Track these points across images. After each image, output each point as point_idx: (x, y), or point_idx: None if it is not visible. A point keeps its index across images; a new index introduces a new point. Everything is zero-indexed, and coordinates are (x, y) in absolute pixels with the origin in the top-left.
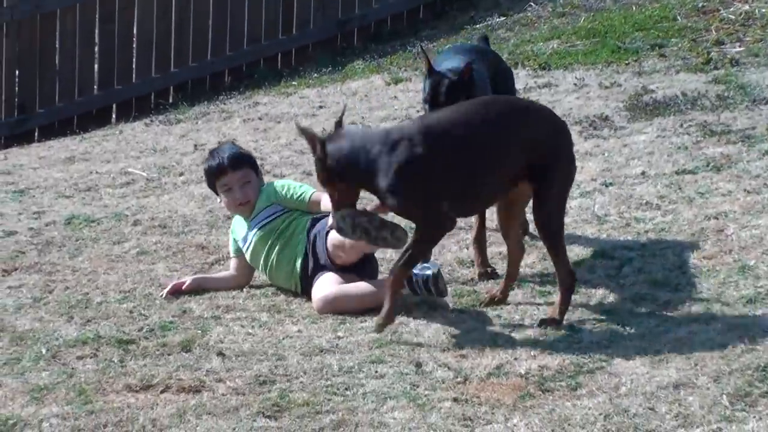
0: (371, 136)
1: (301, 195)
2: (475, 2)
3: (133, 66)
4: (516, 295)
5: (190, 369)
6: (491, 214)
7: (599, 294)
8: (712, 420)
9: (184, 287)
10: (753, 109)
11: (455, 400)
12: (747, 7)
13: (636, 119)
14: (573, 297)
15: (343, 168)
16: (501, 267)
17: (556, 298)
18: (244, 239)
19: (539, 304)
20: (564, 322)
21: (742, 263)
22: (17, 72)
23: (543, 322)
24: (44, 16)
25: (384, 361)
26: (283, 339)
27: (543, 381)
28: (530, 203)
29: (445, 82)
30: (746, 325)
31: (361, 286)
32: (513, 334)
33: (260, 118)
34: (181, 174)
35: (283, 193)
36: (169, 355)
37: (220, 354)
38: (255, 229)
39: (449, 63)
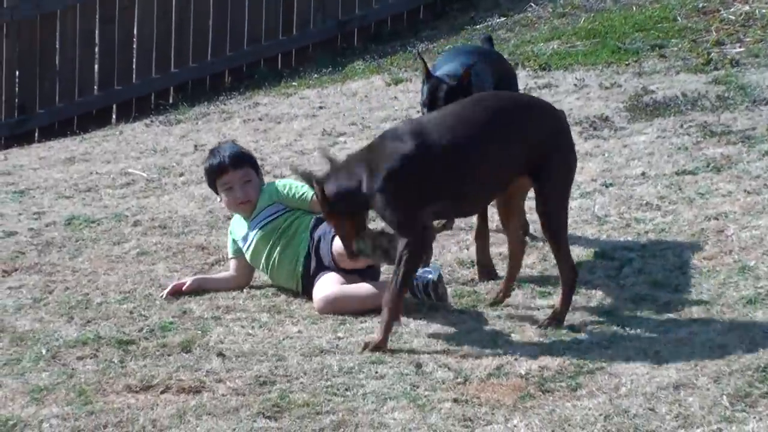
0: (359, 161)
1: (303, 194)
2: (476, 3)
3: (134, 66)
4: (516, 295)
5: (190, 369)
6: (492, 214)
7: (599, 295)
8: (712, 421)
9: (184, 288)
10: (753, 110)
11: (455, 400)
12: (747, 7)
13: (636, 120)
14: (573, 297)
15: (343, 204)
16: (500, 268)
17: (557, 297)
18: (245, 238)
19: (539, 305)
20: (564, 323)
21: (742, 264)
22: (17, 72)
23: (544, 323)
24: (44, 16)
25: (384, 362)
26: (284, 339)
27: (543, 381)
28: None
29: (443, 87)
30: (746, 325)
31: (363, 287)
32: (513, 335)
33: (260, 119)
34: (182, 174)
35: (285, 192)
36: (169, 355)
37: (221, 354)
38: (256, 228)
39: (450, 65)
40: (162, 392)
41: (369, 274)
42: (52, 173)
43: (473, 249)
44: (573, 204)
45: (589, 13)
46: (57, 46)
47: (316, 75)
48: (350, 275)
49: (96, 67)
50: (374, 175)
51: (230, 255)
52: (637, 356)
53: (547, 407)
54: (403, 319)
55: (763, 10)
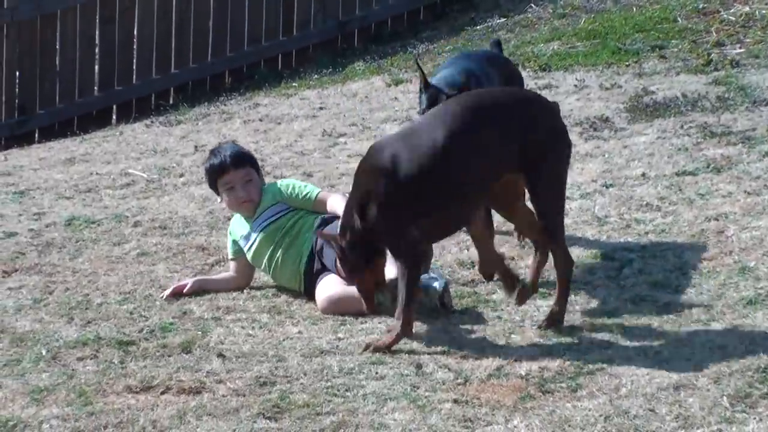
0: (348, 207)
1: (307, 194)
2: (476, 3)
3: (134, 67)
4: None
5: (191, 370)
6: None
7: (599, 295)
8: (712, 421)
9: (185, 291)
10: (753, 111)
11: (456, 401)
12: (747, 8)
13: (636, 120)
14: (574, 298)
15: (359, 251)
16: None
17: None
18: (246, 238)
19: (539, 305)
20: (564, 323)
21: (742, 265)
22: (18, 73)
23: (543, 324)
24: (45, 17)
25: (384, 363)
26: (284, 340)
27: (543, 382)
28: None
29: (442, 97)
30: (746, 326)
31: None
32: (513, 336)
33: (261, 120)
34: (182, 175)
35: (288, 192)
36: (169, 356)
37: (221, 355)
38: (259, 228)
39: (450, 70)
40: (162, 393)
41: None
42: (52, 174)
43: (474, 250)
44: (573, 205)
45: (589, 14)
46: (57, 46)
47: (316, 76)
48: None
49: (96, 67)
50: (365, 208)
51: (230, 256)
52: (637, 357)
53: (547, 408)
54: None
55: (763, 11)
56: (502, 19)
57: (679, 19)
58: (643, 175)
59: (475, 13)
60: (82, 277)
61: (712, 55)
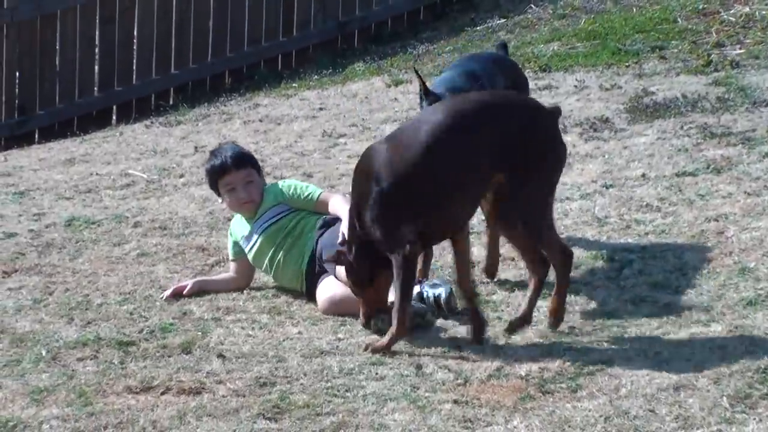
0: (349, 219)
1: (308, 195)
2: (476, 4)
3: (134, 67)
4: (516, 296)
5: (191, 371)
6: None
7: (599, 296)
8: (712, 422)
9: (185, 292)
10: (753, 111)
11: (455, 402)
12: (747, 9)
13: (636, 121)
14: (574, 298)
15: (366, 261)
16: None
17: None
18: (247, 239)
19: (539, 306)
20: (564, 324)
21: (742, 265)
22: (17, 73)
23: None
24: (45, 17)
25: (384, 363)
26: (284, 341)
27: (543, 383)
28: None
29: None
30: (746, 327)
31: None
32: (513, 336)
33: (261, 120)
34: (182, 176)
35: (290, 193)
36: (169, 356)
37: (221, 356)
38: (261, 229)
39: (455, 73)
40: (162, 393)
41: None
42: (52, 174)
43: (474, 250)
44: (573, 205)
45: (589, 15)
46: (57, 47)
47: (316, 76)
48: None
49: (96, 68)
50: (360, 211)
51: (231, 257)
52: (637, 357)
53: (547, 408)
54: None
55: (763, 12)
56: (502, 20)
57: (679, 19)
58: (643, 175)
59: (475, 14)
60: (82, 278)
61: (712, 55)
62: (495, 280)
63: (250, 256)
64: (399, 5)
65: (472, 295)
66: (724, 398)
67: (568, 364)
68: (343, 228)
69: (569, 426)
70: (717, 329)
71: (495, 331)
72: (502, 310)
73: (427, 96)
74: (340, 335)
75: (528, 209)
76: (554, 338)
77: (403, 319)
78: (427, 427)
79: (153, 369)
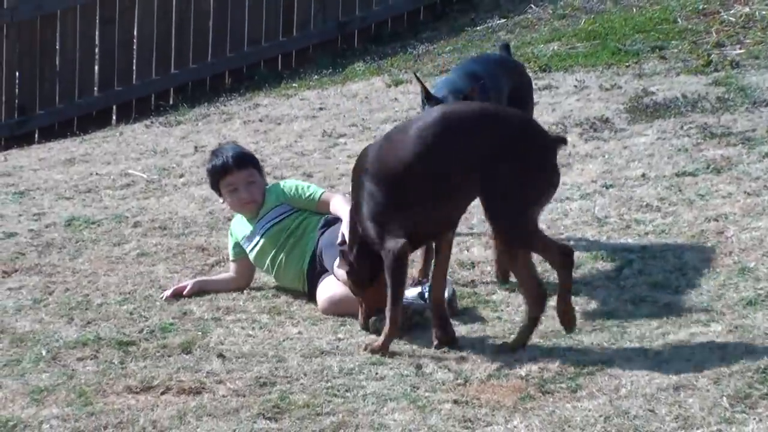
0: (353, 213)
1: (310, 195)
2: (476, 4)
3: (134, 67)
4: (516, 296)
5: (191, 370)
6: None
7: (599, 296)
8: (712, 422)
9: (185, 292)
10: (753, 111)
11: (455, 401)
12: (747, 9)
13: (636, 121)
14: (573, 299)
15: (367, 261)
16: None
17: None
18: (249, 239)
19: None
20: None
21: (742, 265)
22: (17, 73)
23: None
24: (45, 17)
25: (384, 363)
26: (284, 341)
27: (543, 383)
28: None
29: None
30: (746, 327)
31: None
32: (513, 336)
33: (261, 120)
34: (182, 176)
35: (292, 193)
36: (169, 356)
37: (221, 356)
38: (263, 229)
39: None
40: (162, 393)
41: None
42: (52, 174)
43: (474, 250)
44: (573, 205)
45: (589, 15)
46: (57, 47)
47: (316, 76)
48: None
49: (96, 68)
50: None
51: (231, 257)
52: (637, 357)
53: (547, 408)
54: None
55: (763, 12)
56: (502, 20)
57: (679, 19)
58: (643, 175)
59: (475, 14)
60: (82, 278)
61: (712, 55)
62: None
63: (251, 257)
64: (399, 5)
65: (442, 301)
66: (724, 398)
67: (568, 364)
68: (343, 228)
69: (569, 426)
70: (717, 329)
71: (495, 330)
72: (502, 310)
73: (429, 100)
74: (340, 335)
75: (508, 221)
76: (554, 338)
77: (395, 319)
78: (427, 427)
79: (153, 369)
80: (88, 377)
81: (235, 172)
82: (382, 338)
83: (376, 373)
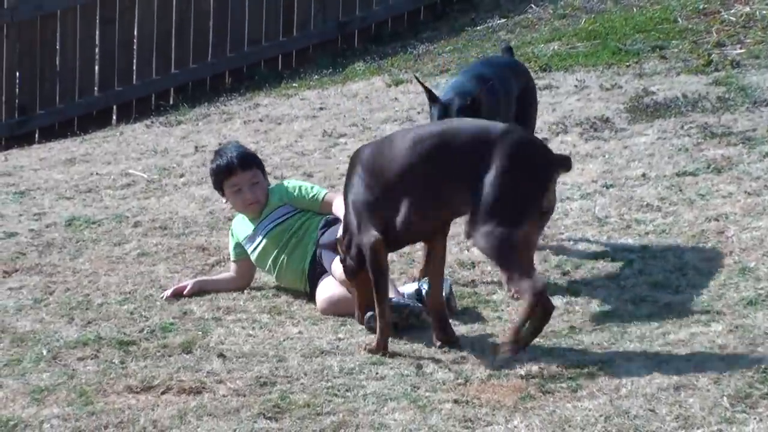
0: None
1: (314, 195)
2: (476, 4)
3: (134, 67)
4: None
5: (191, 370)
6: None
7: (600, 295)
8: (712, 421)
9: (185, 292)
10: (754, 111)
11: (456, 401)
12: (748, 8)
13: (636, 121)
14: (574, 298)
15: (357, 256)
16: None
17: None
18: (251, 239)
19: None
20: (565, 323)
21: (742, 265)
22: (18, 73)
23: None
24: (45, 17)
25: (384, 363)
26: (284, 340)
27: (543, 382)
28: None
29: (452, 108)
30: (747, 326)
31: None
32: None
33: (261, 120)
34: (182, 175)
35: (296, 193)
36: (169, 356)
37: (221, 355)
38: (265, 230)
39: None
40: (163, 393)
41: None
42: (52, 174)
43: (474, 250)
44: (573, 205)
45: (589, 15)
46: (57, 46)
47: (316, 76)
48: None
49: (96, 68)
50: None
51: (232, 258)
52: (637, 357)
53: (547, 408)
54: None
55: (764, 12)
56: (503, 20)
57: (679, 19)
58: (644, 175)
59: (475, 14)
60: (82, 278)
61: (713, 55)
62: (496, 280)
63: (253, 257)
64: (399, 5)
65: (441, 303)
66: (725, 398)
67: (568, 363)
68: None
69: (569, 426)
70: (717, 329)
71: (495, 330)
72: (502, 310)
73: (434, 102)
74: (340, 335)
75: (486, 238)
76: (554, 338)
77: (384, 316)
78: (428, 427)
79: (153, 368)
80: (89, 377)
81: (239, 172)
82: (376, 338)
83: (377, 373)
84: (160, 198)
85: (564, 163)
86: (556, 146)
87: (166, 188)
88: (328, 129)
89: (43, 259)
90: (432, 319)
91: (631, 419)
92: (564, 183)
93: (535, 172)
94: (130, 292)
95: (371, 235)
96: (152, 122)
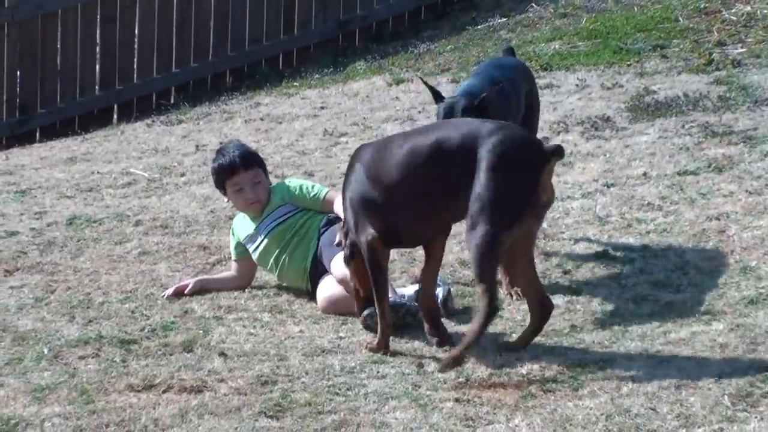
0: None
1: (315, 194)
2: (477, 3)
3: (135, 66)
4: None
5: (192, 369)
6: None
7: (600, 294)
8: (713, 420)
9: (186, 291)
10: (755, 110)
11: (457, 400)
12: (749, 8)
13: (638, 120)
14: (575, 298)
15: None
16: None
17: (555, 299)
18: (252, 239)
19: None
20: (566, 322)
21: (743, 264)
22: (19, 72)
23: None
24: (45, 16)
25: (386, 362)
26: (285, 339)
27: (545, 381)
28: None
29: (458, 108)
30: (748, 325)
31: None
32: (514, 335)
33: (262, 119)
34: (183, 174)
35: (297, 192)
36: (171, 355)
37: (222, 354)
38: (267, 229)
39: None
40: (164, 391)
41: None
42: (53, 173)
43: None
44: (574, 204)
45: (590, 14)
46: (58, 46)
47: (317, 75)
48: None
49: (97, 66)
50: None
51: (233, 257)
52: (638, 356)
53: (548, 407)
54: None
55: (765, 11)
56: (504, 19)
57: (680, 18)
58: (645, 174)
59: (476, 13)
60: (83, 276)
61: (714, 54)
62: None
63: (255, 256)
64: (400, 4)
65: (433, 302)
66: (726, 397)
67: (569, 362)
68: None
69: (571, 424)
70: (718, 328)
71: (496, 330)
72: (503, 309)
73: (439, 100)
74: (341, 334)
75: (476, 245)
76: (555, 337)
77: (384, 315)
78: (429, 426)
79: (155, 367)
80: (90, 375)
81: (241, 172)
82: (377, 337)
83: (378, 372)
84: (161, 197)
85: (556, 152)
86: None
87: (167, 187)
88: (329, 128)
89: (44, 258)
90: (423, 317)
91: (632, 418)
92: (565, 182)
93: (524, 168)
94: (131, 291)
95: (368, 233)
96: (153, 121)
